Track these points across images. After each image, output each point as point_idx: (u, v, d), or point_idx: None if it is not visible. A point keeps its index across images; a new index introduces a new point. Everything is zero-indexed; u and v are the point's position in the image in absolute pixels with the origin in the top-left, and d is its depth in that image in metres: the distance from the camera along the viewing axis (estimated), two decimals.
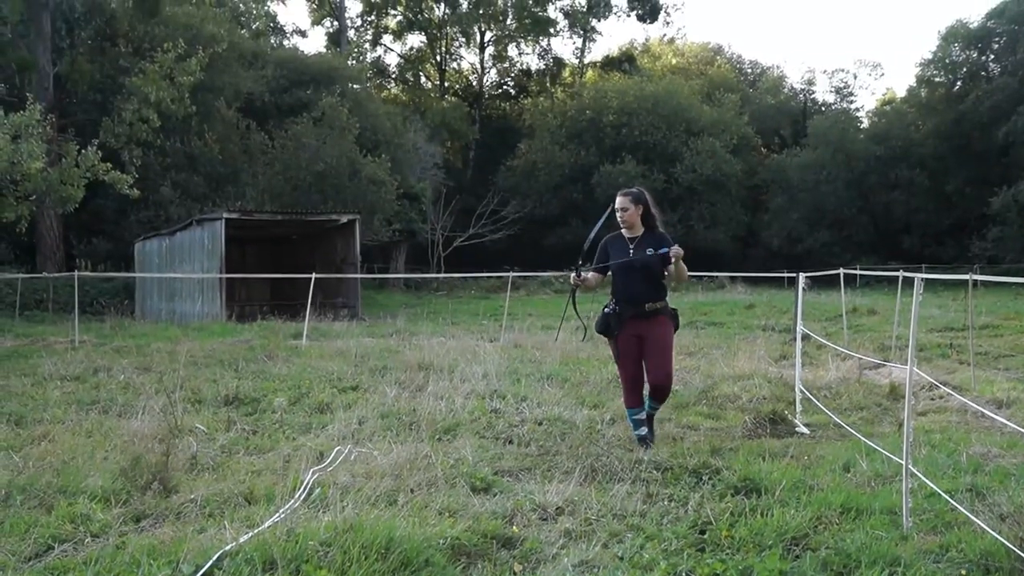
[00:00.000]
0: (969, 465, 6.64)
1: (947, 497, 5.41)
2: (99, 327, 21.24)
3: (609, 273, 7.57)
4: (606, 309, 7.53)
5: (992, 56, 55.49)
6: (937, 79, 57.39)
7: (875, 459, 6.68)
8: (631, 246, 7.43)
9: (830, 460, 6.87)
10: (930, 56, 57.41)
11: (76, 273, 22.07)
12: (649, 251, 7.32)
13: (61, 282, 29.23)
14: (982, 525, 4.84)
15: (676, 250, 7.14)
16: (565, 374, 11.81)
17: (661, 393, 7.53)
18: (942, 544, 4.83)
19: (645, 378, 7.62)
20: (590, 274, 7.43)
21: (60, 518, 5.21)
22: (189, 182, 38.42)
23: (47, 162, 25.50)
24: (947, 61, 56.34)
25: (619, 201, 7.45)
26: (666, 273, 7.37)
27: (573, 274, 7.37)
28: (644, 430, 7.56)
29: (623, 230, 7.50)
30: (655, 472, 6.52)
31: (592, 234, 7.39)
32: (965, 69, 55.88)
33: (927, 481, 5.60)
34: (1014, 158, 49.77)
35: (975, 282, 13.06)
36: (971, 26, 54.48)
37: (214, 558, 4.30)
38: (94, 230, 37.10)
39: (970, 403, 8.04)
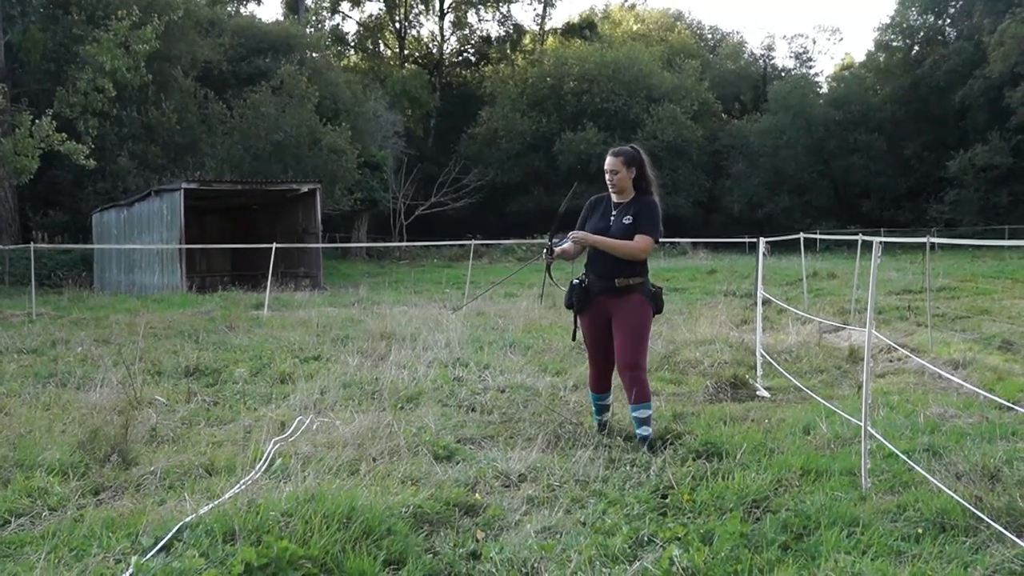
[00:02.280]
0: (926, 426, 6.72)
1: (905, 457, 5.48)
2: (57, 299, 21.00)
3: None
4: (574, 280, 6.66)
5: (948, 20, 56.05)
6: (895, 43, 57.86)
7: (834, 421, 6.74)
8: (613, 212, 6.53)
9: (790, 423, 6.93)
10: (888, 21, 58.01)
11: (32, 245, 21.82)
12: (627, 219, 6.41)
13: (17, 254, 28.89)
14: (938, 484, 4.90)
15: (576, 236, 6.43)
16: (528, 342, 11.81)
17: (628, 387, 6.41)
18: (900, 504, 4.88)
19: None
20: (567, 243, 6.62)
21: (17, 492, 5.14)
22: (147, 152, 37.99)
23: (0, 132, 25.08)
24: (904, 26, 56.80)
25: (608, 162, 6.53)
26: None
27: (544, 251, 6.64)
28: (606, 416, 6.87)
29: (612, 194, 6.59)
30: (617, 438, 6.55)
31: (562, 208, 6.86)
32: (922, 34, 56.38)
33: (885, 442, 5.66)
34: (970, 122, 50.35)
35: (933, 245, 13.19)
36: None
37: (174, 530, 4.27)
38: (50, 201, 36.62)
39: (928, 365, 8.13)
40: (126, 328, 14.03)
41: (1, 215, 34.74)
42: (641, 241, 6.36)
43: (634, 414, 6.41)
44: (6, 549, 4.35)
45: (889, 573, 3.89)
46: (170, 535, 4.22)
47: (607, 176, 6.49)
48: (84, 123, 32.99)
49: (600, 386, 6.81)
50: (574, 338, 7.00)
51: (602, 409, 6.89)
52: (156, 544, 4.14)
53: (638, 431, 6.39)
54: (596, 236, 6.39)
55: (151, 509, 4.75)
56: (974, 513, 4.52)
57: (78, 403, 7.71)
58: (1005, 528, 4.31)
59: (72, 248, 31.53)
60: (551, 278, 7.14)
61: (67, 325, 15.06)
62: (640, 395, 6.35)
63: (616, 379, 6.77)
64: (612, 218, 6.49)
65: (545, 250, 6.65)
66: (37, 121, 26.89)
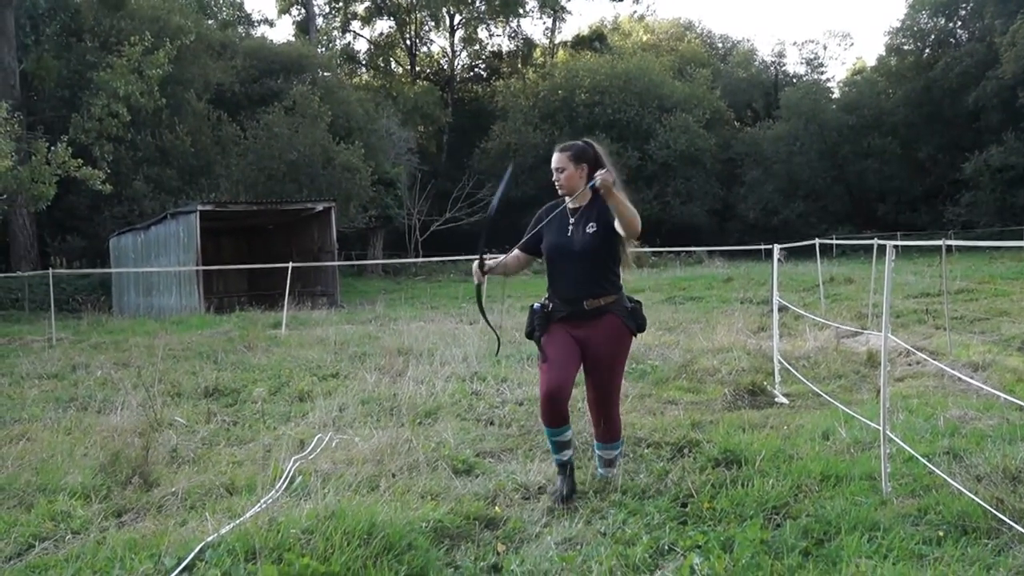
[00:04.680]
0: (946, 428, 6.69)
1: (925, 461, 5.46)
2: (76, 324, 21.10)
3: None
4: (535, 305, 5.56)
5: (960, 23, 55.90)
6: (906, 47, 57.72)
7: (853, 426, 6.72)
8: (571, 221, 5.50)
9: (809, 429, 6.91)
10: (898, 24, 57.84)
11: (51, 271, 21.92)
12: (591, 227, 5.37)
13: (36, 280, 29.04)
14: (959, 487, 4.88)
15: (602, 176, 5.09)
16: None
17: (596, 421, 5.63)
18: (920, 507, 4.87)
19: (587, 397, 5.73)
20: (509, 256, 5.70)
21: (40, 516, 5.18)
22: (162, 176, 38.21)
23: (17, 160, 25.33)
24: (915, 29, 56.66)
25: (554, 159, 5.58)
26: (622, 252, 5.47)
27: (475, 265, 5.50)
28: (567, 455, 5.51)
29: (567, 200, 5.56)
30: (637, 447, 6.54)
31: (495, 202, 5.72)
32: (933, 36, 56.22)
33: (905, 446, 5.64)
34: (985, 123, 50.16)
35: (949, 247, 13.16)
36: None
37: (196, 550, 4.29)
38: (68, 227, 36.85)
39: (946, 368, 8.09)
40: (145, 351, 14.09)
41: (19, 241, 35.00)
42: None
43: (599, 452, 5.70)
44: (31, 573, 4.38)
45: None
46: (192, 555, 4.24)
47: (554, 176, 5.56)
48: (99, 148, 33.27)
49: (557, 417, 5.38)
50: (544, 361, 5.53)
51: (560, 446, 5.51)
52: (178, 565, 4.16)
53: (600, 470, 5.70)
54: (619, 195, 5.16)
55: (173, 530, 4.78)
56: (995, 515, 4.50)
57: (99, 426, 7.75)
58: None
59: (90, 272, 31.73)
60: (481, 307, 5.95)
61: (87, 349, 15.14)
62: (609, 433, 5.62)
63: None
64: (570, 229, 5.47)
65: (476, 264, 5.50)
66: (53, 148, 27.10)
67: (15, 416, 8.82)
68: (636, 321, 5.51)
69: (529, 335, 5.57)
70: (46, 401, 9.65)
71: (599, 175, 5.07)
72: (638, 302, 5.60)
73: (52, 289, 20.50)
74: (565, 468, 5.51)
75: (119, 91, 32.67)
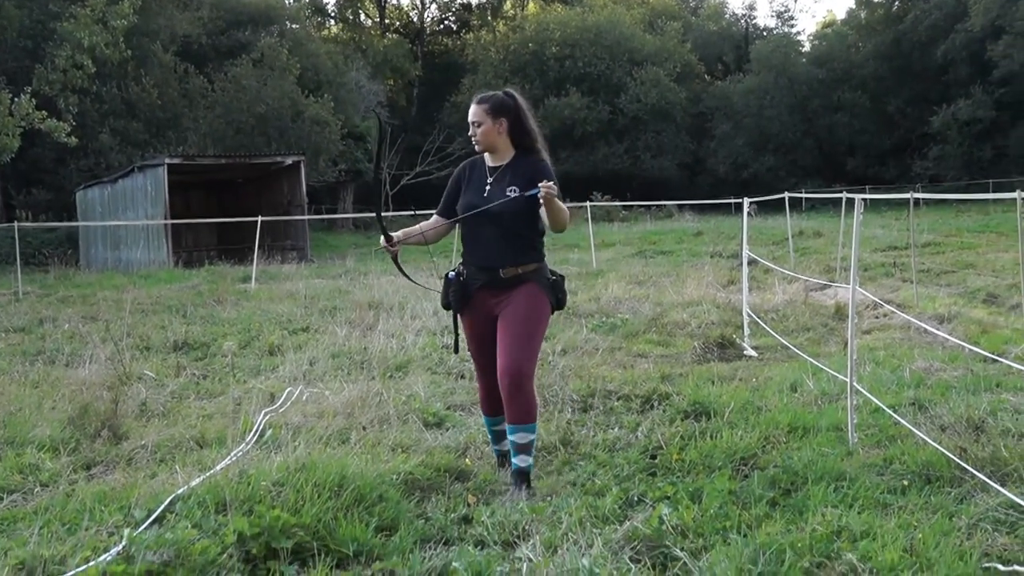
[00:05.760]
0: (912, 380, 6.77)
1: (890, 412, 5.52)
2: (43, 278, 20.95)
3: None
4: (449, 273, 5.06)
5: None
6: (876, 0, 57.62)
7: (821, 378, 6.79)
8: (489, 180, 4.95)
9: (777, 381, 6.97)
10: None
11: (16, 224, 21.70)
12: (511, 190, 4.79)
13: (1, 234, 28.72)
14: (924, 437, 4.95)
15: (547, 188, 4.56)
16: None
17: (507, 399, 4.80)
18: (886, 457, 4.93)
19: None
20: (427, 223, 5.17)
21: (8, 469, 5.15)
22: (129, 128, 37.78)
23: None
24: None
25: (471, 111, 4.99)
26: (541, 220, 4.88)
27: (382, 238, 4.97)
28: (507, 444, 4.99)
29: (485, 156, 5.07)
30: (608, 400, 6.58)
31: (374, 166, 4.71)
32: None
33: (872, 397, 5.70)
34: (953, 76, 50.35)
35: (917, 201, 13.24)
36: None
37: (166, 502, 4.28)
38: (33, 180, 36.43)
39: (913, 320, 8.17)
40: (113, 305, 14.01)
41: None
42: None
43: (511, 437, 4.87)
44: (0, 525, 4.37)
45: (875, 525, 3.93)
46: (162, 507, 4.23)
47: (471, 130, 4.99)
48: (64, 100, 32.72)
49: (494, 406, 5.06)
50: (456, 349, 5.35)
51: (499, 436, 5.17)
52: (148, 517, 4.15)
53: (514, 460, 4.88)
54: (557, 200, 4.67)
55: (143, 482, 4.77)
56: (959, 464, 4.56)
57: (67, 380, 7.71)
58: (989, 478, 4.35)
59: (57, 226, 31.39)
60: (404, 273, 5.56)
61: (54, 303, 15.03)
62: (522, 412, 4.80)
63: None
64: (487, 189, 4.90)
65: (383, 237, 4.98)
66: (16, 99, 26.68)
67: None
68: (556, 295, 4.96)
69: (446, 306, 5.13)
70: (13, 355, 9.57)
71: (543, 186, 4.57)
72: (560, 276, 5.05)
73: (18, 243, 20.27)
74: (506, 458, 5.08)
75: (83, 42, 32.05)
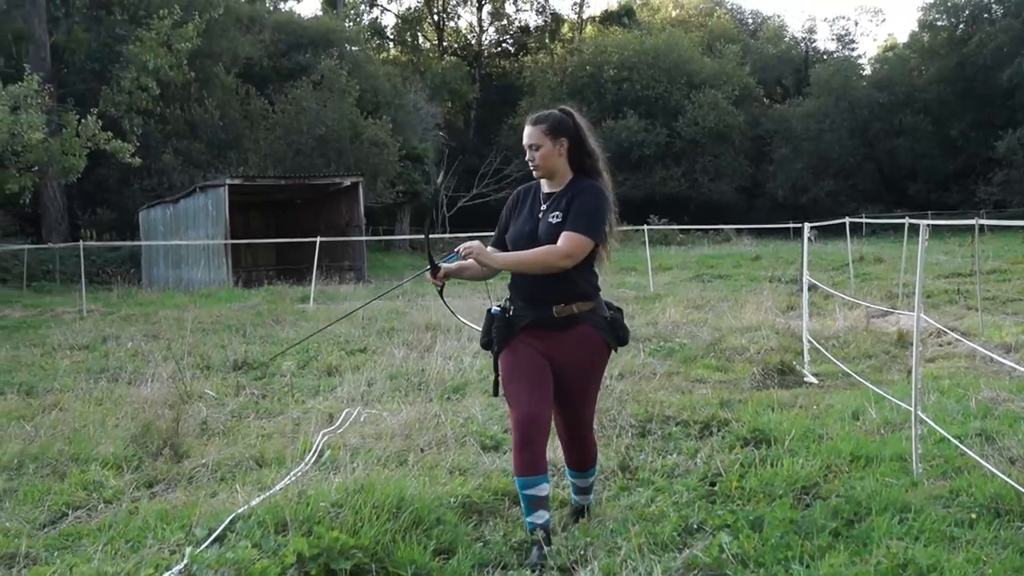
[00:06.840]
0: (978, 410, 6.63)
1: (956, 442, 5.41)
2: (106, 296, 21.27)
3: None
4: (493, 308, 4.50)
5: None
6: (939, 23, 57.00)
7: (884, 407, 6.68)
8: (543, 206, 4.46)
9: (839, 409, 6.88)
10: (932, 0, 56.93)
11: (81, 243, 22.10)
12: (554, 217, 4.34)
13: (67, 252, 29.23)
14: (992, 469, 4.84)
15: (466, 250, 4.42)
16: None
17: (570, 448, 4.66)
18: (952, 489, 4.83)
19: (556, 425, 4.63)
20: (468, 258, 4.47)
21: (73, 485, 5.24)
22: (191, 149, 38.32)
23: (47, 133, 25.43)
24: (949, 4, 55.93)
25: (527, 134, 4.50)
26: (600, 248, 4.43)
27: (428, 272, 4.58)
28: (545, 517, 4.29)
29: (542, 181, 4.57)
30: (665, 425, 6.53)
31: (438, 184, 4.25)
32: (967, 12, 55.45)
33: (936, 427, 5.60)
34: (1019, 100, 49.51)
35: (981, 227, 13.02)
36: None
37: (226, 521, 4.32)
38: (98, 200, 37.04)
39: (979, 348, 8.02)
40: (175, 323, 14.19)
41: (51, 214, 35.23)
42: (565, 243, 4.24)
43: (573, 480, 4.75)
44: (64, 541, 4.43)
45: (942, 559, 3.85)
46: (223, 526, 4.27)
47: (528, 155, 4.49)
48: (129, 121, 33.35)
49: (529, 464, 4.26)
50: (496, 392, 4.64)
51: (537, 504, 4.30)
52: (209, 535, 4.20)
53: (575, 497, 4.79)
54: (493, 253, 4.46)
55: (203, 501, 4.82)
56: None
57: (130, 398, 7.82)
58: None
59: (120, 245, 31.92)
60: (450, 309, 5.32)
61: (117, 321, 15.26)
62: (585, 459, 4.66)
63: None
64: (540, 215, 4.42)
65: (429, 269, 4.56)
66: (83, 120, 27.20)
67: (47, 386, 8.92)
68: (616, 333, 4.46)
69: (485, 346, 4.57)
70: (77, 372, 9.75)
71: (462, 248, 4.37)
72: (619, 309, 4.56)
73: (83, 261, 20.66)
74: (543, 547, 4.18)
75: (148, 64, 32.70)
